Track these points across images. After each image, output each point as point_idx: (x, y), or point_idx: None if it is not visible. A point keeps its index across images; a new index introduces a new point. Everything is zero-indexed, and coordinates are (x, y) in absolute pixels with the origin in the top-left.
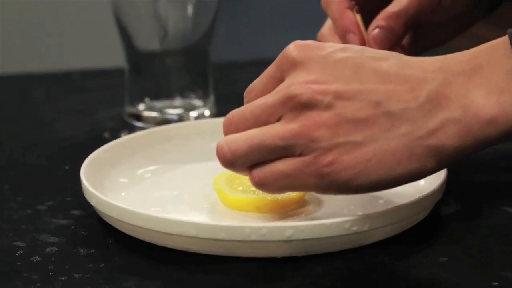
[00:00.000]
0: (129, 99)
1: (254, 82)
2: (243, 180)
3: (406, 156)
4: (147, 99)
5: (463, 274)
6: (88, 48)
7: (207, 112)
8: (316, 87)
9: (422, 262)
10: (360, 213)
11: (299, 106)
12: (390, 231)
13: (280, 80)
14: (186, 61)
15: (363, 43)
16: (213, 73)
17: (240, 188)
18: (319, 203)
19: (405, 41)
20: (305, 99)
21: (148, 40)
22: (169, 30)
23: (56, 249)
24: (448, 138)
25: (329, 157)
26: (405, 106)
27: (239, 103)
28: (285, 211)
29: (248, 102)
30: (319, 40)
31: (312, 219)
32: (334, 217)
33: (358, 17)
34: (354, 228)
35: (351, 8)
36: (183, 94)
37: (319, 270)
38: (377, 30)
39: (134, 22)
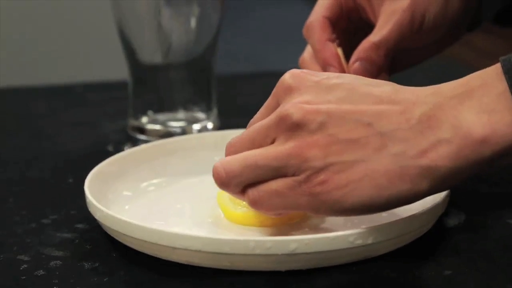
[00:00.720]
0: (132, 112)
1: (256, 114)
2: None
3: (398, 176)
4: (150, 112)
5: (467, 287)
6: (91, 61)
7: (210, 125)
8: (308, 107)
9: (427, 275)
10: (364, 226)
11: (292, 126)
12: (394, 244)
13: (276, 107)
14: (189, 74)
15: None
16: (216, 86)
17: (244, 203)
18: (323, 216)
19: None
20: (297, 119)
21: (151, 53)
22: (173, 43)
23: (61, 263)
24: (440, 158)
25: (320, 177)
26: (396, 127)
27: (242, 116)
28: (289, 225)
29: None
30: (300, 65)
31: (316, 232)
32: (338, 231)
33: (339, 50)
34: (359, 241)
35: (332, 40)
36: (186, 107)
37: (324, 283)
38: (357, 63)
39: (137, 35)
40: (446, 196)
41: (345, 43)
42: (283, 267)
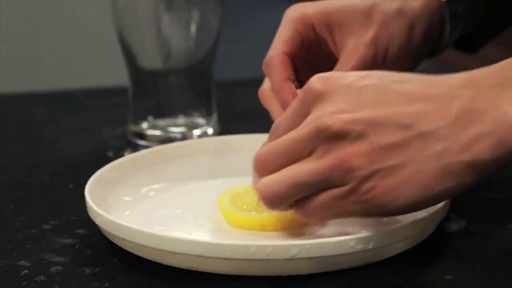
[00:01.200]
0: (132, 117)
1: (280, 119)
2: (247, 199)
3: (443, 174)
4: (150, 118)
5: None
6: (91, 66)
7: (210, 130)
8: (345, 116)
9: (428, 280)
10: (365, 232)
11: (330, 137)
12: (395, 249)
13: (306, 114)
14: (189, 79)
15: None
16: (216, 91)
17: (245, 206)
18: (324, 221)
19: None
20: (336, 130)
21: (151, 59)
22: (172, 49)
23: (61, 268)
24: (483, 151)
25: (368, 185)
26: (436, 125)
27: (242, 121)
28: (290, 229)
29: (275, 138)
30: (260, 98)
31: (317, 237)
32: (339, 236)
33: (299, 91)
34: (359, 246)
35: (291, 79)
36: (186, 112)
37: None
38: None
39: (137, 41)
40: (447, 202)
41: (307, 72)
42: (284, 272)
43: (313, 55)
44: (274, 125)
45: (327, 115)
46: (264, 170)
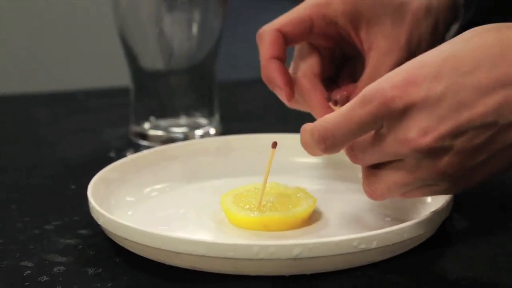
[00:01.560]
0: (134, 118)
1: (336, 127)
2: (250, 198)
3: None
4: (152, 118)
5: None
6: (93, 67)
7: (212, 131)
8: (432, 135)
9: (430, 280)
10: (368, 231)
11: (422, 154)
12: (397, 249)
13: (377, 127)
14: (191, 80)
15: None
16: (218, 91)
17: (247, 206)
18: (327, 221)
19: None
20: (426, 149)
21: (153, 60)
22: (174, 50)
23: (64, 268)
24: None
25: (464, 180)
26: None
27: (244, 121)
28: (293, 229)
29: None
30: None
31: (320, 237)
32: (342, 235)
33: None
34: (362, 246)
35: (279, 58)
36: (188, 112)
37: None
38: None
39: (139, 41)
40: (450, 201)
41: (330, 60)
42: (287, 272)
43: (333, 43)
44: (325, 133)
45: (413, 136)
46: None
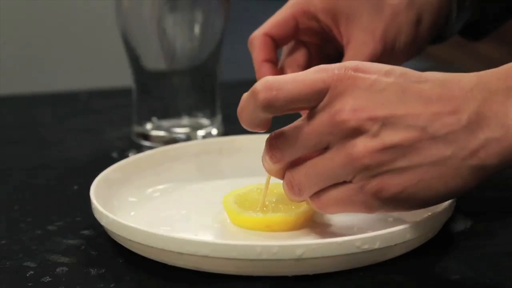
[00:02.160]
0: (136, 118)
1: (296, 90)
2: (252, 199)
3: (451, 178)
4: (154, 119)
5: None
6: (96, 68)
7: (214, 131)
8: (364, 114)
9: (434, 280)
10: (371, 232)
11: (347, 133)
12: (400, 249)
13: (320, 100)
14: (193, 80)
15: None
16: (220, 92)
17: (250, 207)
18: (329, 221)
19: None
20: (353, 126)
21: (155, 60)
22: (177, 50)
23: (67, 269)
24: (490, 157)
25: (375, 185)
26: (449, 129)
27: None
28: (295, 230)
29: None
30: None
31: (322, 237)
32: (344, 236)
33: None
34: (365, 246)
35: (272, 60)
36: (190, 113)
37: None
38: None
39: (141, 42)
40: (452, 201)
41: (318, 55)
42: (290, 272)
43: (320, 39)
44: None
45: (346, 110)
46: (276, 156)
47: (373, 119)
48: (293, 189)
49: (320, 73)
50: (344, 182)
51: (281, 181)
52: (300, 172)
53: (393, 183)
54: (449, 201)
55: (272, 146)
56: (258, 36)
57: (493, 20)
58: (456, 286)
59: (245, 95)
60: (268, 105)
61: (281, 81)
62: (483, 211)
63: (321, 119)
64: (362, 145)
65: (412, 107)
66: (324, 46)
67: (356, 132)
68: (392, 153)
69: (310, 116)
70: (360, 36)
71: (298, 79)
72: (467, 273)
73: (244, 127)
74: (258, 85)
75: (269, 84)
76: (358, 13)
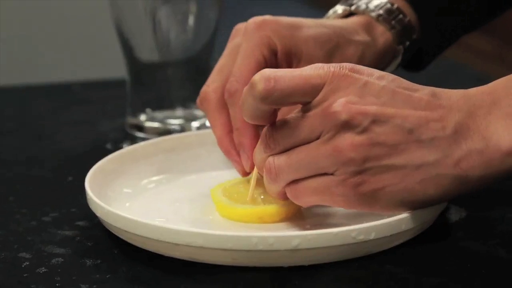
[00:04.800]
0: (130, 110)
1: (293, 84)
2: (239, 191)
3: (432, 184)
4: (148, 110)
5: (470, 283)
6: (89, 59)
7: (208, 122)
8: (356, 107)
9: (429, 271)
10: (366, 222)
11: (338, 125)
12: (396, 240)
13: (315, 96)
14: (187, 72)
15: None
16: None
17: (238, 199)
18: (324, 212)
19: None
20: (345, 119)
21: (149, 51)
22: (171, 41)
23: (62, 260)
24: (471, 168)
25: (357, 179)
26: (434, 135)
27: None
28: (288, 221)
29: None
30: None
31: (318, 228)
32: (340, 226)
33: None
34: (361, 237)
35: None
36: (184, 104)
37: (326, 279)
38: None
39: (135, 33)
40: None
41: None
42: (285, 263)
43: None
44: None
45: (340, 103)
46: (270, 147)
47: (363, 114)
48: (271, 173)
49: (317, 69)
50: (325, 174)
51: None
52: (282, 157)
53: (374, 179)
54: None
55: (267, 136)
56: (214, 90)
57: (432, 52)
58: (452, 276)
59: (245, 88)
60: (266, 96)
61: (279, 73)
62: (477, 202)
63: (315, 112)
64: (350, 139)
65: (401, 108)
66: None
67: (347, 125)
68: (378, 150)
69: (305, 109)
70: None
71: (295, 73)
72: (462, 263)
73: (247, 120)
74: (256, 77)
75: (266, 75)
76: (310, 60)
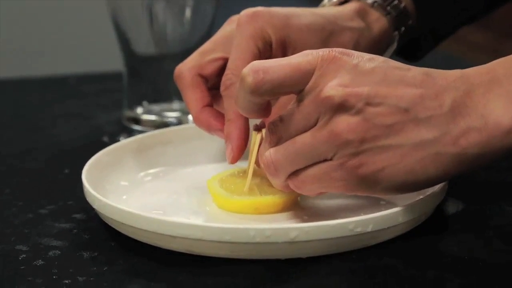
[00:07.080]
0: (127, 102)
1: (284, 76)
2: (236, 182)
3: (432, 163)
4: (145, 103)
5: (467, 275)
6: (86, 52)
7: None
8: (348, 90)
9: (426, 263)
10: (364, 214)
11: (332, 108)
12: (393, 232)
13: (306, 83)
14: None
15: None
16: None
17: (235, 190)
18: (321, 204)
19: None
20: (337, 102)
21: (146, 44)
22: (167, 34)
23: (59, 252)
24: (470, 146)
25: (356, 161)
26: (431, 113)
27: None
28: (283, 212)
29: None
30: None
31: (315, 220)
32: (337, 218)
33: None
34: (358, 229)
35: (208, 103)
36: (181, 97)
37: (323, 271)
38: None
39: (132, 26)
40: (445, 184)
41: None
42: (283, 255)
43: None
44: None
45: (331, 86)
46: (273, 141)
47: (356, 95)
48: (269, 167)
49: (306, 56)
50: (325, 161)
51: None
52: (279, 150)
53: (373, 161)
54: (441, 184)
55: (270, 131)
56: (187, 70)
57: (430, 40)
58: (449, 268)
59: (237, 82)
60: (256, 88)
61: (267, 64)
62: (474, 194)
63: (308, 99)
64: (345, 121)
65: (395, 88)
66: None
67: (340, 108)
68: (375, 131)
69: (299, 98)
70: None
71: (284, 62)
72: (460, 255)
73: (243, 114)
74: (245, 70)
75: (255, 67)
76: (306, 47)
